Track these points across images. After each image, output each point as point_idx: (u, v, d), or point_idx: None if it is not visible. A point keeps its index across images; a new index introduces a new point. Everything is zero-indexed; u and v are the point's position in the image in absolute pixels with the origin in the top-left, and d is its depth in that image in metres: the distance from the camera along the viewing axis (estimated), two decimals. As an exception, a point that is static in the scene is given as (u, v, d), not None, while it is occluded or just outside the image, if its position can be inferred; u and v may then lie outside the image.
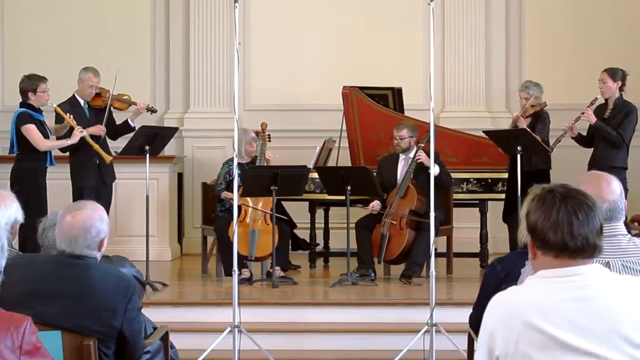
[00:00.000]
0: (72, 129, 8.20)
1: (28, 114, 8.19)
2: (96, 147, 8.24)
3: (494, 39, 10.76)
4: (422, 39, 10.36)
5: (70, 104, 8.48)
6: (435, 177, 8.18)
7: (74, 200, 8.20)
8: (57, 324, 3.68)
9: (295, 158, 9.36)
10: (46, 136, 8.29)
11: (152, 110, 8.82)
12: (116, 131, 8.71)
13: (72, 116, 8.25)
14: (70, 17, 10.81)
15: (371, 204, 8.58)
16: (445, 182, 8.56)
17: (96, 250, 3.80)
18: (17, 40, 10.84)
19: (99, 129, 8.40)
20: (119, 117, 8.74)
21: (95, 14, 10.81)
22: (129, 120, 8.64)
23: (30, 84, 8.26)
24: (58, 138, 8.41)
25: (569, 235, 2.46)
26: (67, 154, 8.53)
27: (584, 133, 8.69)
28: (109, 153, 8.42)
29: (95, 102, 8.57)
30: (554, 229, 2.47)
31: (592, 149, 8.64)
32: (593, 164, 8.37)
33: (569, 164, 8.84)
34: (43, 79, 8.29)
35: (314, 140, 9.80)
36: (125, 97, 8.66)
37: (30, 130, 8.16)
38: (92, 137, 8.29)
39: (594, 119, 8.48)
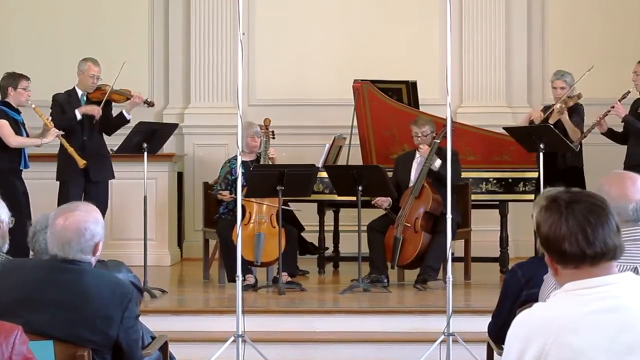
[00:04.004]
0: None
1: (2, 110, 8.23)
2: (70, 150, 8.24)
3: (514, 29, 10.74)
4: (438, 29, 10.34)
5: (67, 94, 8.58)
6: (438, 172, 8.13)
7: (59, 196, 8.25)
8: (49, 333, 3.68)
9: (302, 156, 9.36)
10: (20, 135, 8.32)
11: (150, 104, 8.84)
12: (110, 125, 8.69)
13: (48, 116, 8.29)
14: (65, 6, 10.82)
15: (377, 199, 8.52)
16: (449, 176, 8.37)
17: (90, 254, 3.80)
18: (11, 33, 10.84)
19: (93, 109, 8.40)
20: (116, 112, 8.76)
21: (90, 2, 10.82)
22: (124, 112, 8.64)
23: (12, 80, 8.35)
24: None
25: (585, 243, 2.41)
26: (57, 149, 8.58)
27: (618, 130, 8.64)
28: (95, 153, 8.43)
29: (94, 95, 8.61)
30: (569, 240, 2.42)
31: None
32: (626, 161, 8.36)
33: (603, 161, 8.75)
34: (26, 77, 8.39)
35: (322, 137, 9.80)
36: (126, 90, 8.68)
37: (1, 126, 8.18)
38: (71, 136, 8.31)
39: (623, 113, 8.47)
